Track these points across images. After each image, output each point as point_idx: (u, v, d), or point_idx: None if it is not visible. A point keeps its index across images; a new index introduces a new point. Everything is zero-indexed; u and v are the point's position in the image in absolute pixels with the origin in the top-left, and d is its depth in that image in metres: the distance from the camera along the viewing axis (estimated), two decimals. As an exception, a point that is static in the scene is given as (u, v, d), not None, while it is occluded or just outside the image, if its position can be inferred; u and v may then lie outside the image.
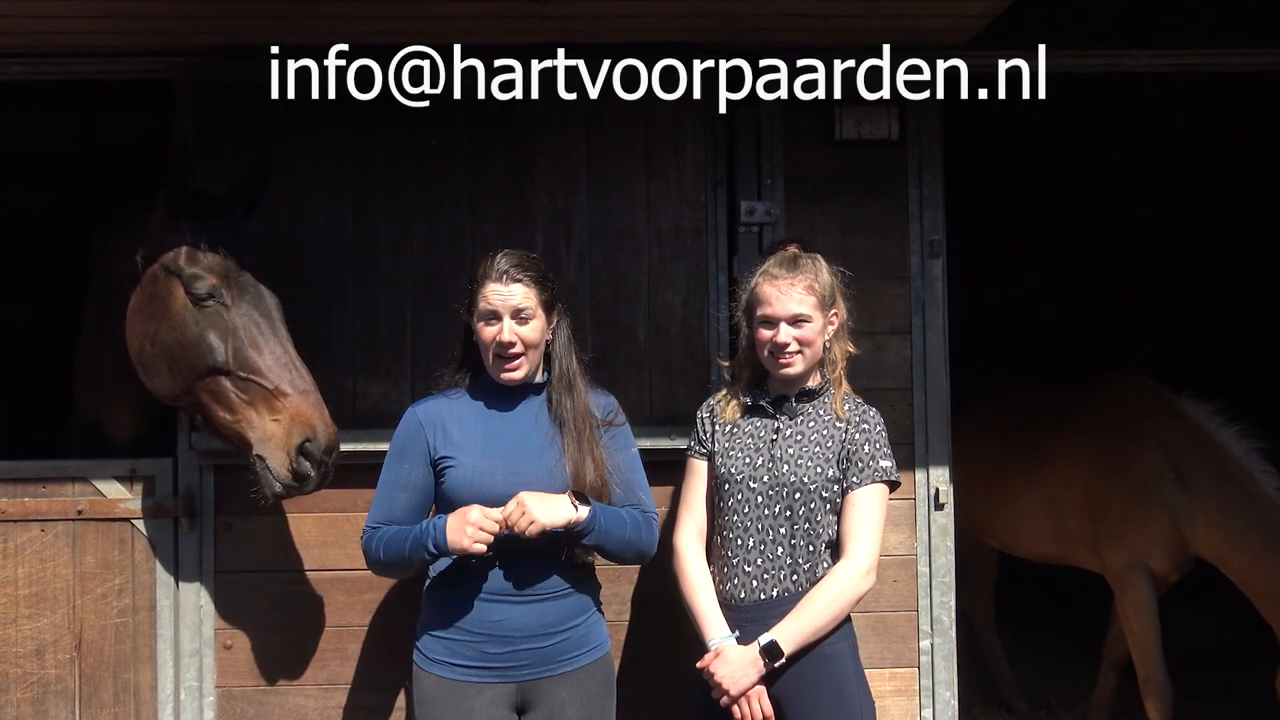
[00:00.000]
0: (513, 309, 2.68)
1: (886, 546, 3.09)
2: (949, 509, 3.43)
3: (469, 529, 2.57)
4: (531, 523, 2.58)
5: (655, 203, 3.43)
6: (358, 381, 3.37)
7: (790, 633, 2.68)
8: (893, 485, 2.82)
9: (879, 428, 2.82)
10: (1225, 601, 4.26)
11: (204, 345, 2.85)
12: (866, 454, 2.77)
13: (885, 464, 2.79)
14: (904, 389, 3.41)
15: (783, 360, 2.78)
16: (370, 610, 3.33)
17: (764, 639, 2.68)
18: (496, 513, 2.60)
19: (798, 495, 2.74)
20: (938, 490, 3.42)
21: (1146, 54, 3.61)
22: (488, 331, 2.69)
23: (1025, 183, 7.05)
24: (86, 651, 3.28)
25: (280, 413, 2.81)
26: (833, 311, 2.81)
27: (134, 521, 3.28)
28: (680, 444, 3.19)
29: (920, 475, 3.42)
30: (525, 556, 2.68)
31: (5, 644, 3.27)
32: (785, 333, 2.76)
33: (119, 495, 3.29)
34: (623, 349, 3.42)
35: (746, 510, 2.77)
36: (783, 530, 2.74)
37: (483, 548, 2.58)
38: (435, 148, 3.40)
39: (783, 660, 2.67)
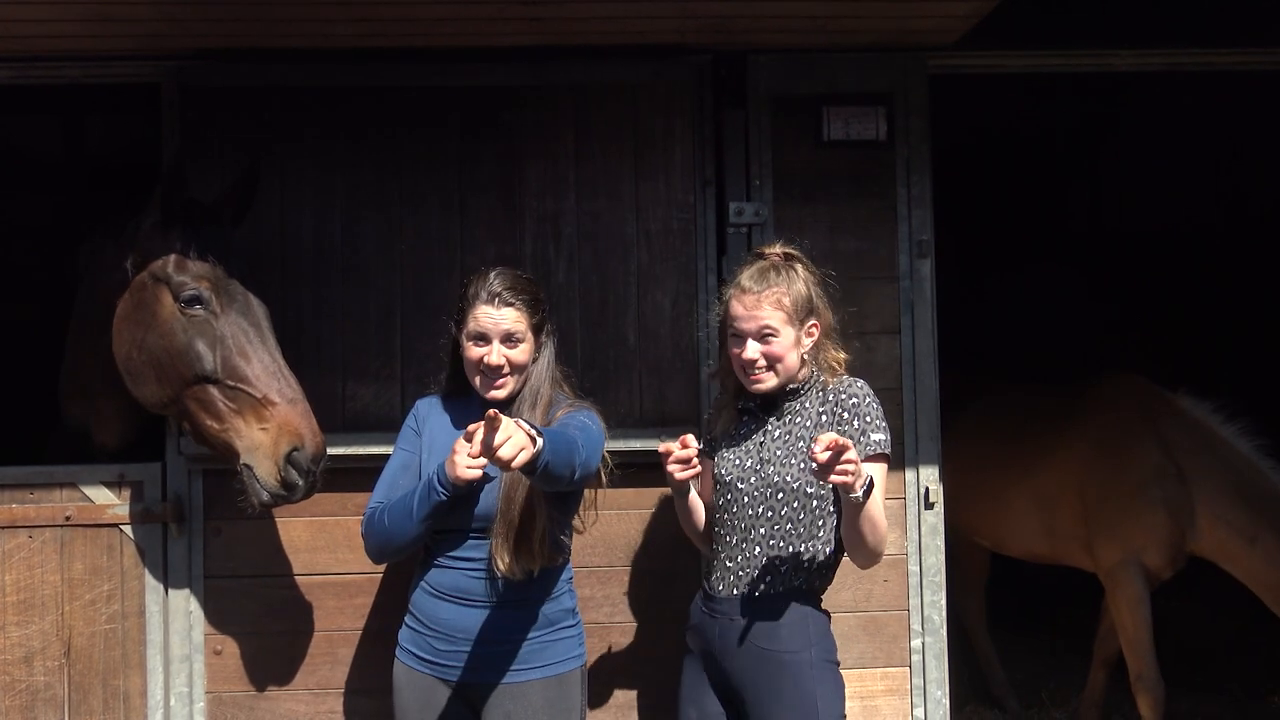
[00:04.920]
0: (503, 333, 2.69)
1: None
2: (939, 508, 3.43)
3: (458, 458, 2.55)
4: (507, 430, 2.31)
5: (644, 204, 3.43)
6: (347, 385, 3.35)
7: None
8: (885, 458, 2.70)
9: (867, 399, 2.70)
10: (1219, 596, 4.26)
11: (192, 353, 2.84)
12: (856, 429, 2.68)
13: (876, 436, 2.67)
14: (893, 389, 3.41)
15: (754, 376, 2.72)
16: (361, 615, 3.32)
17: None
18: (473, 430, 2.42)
19: (780, 495, 2.70)
20: (928, 490, 3.42)
21: (1133, 54, 3.62)
22: (476, 352, 2.71)
23: (1016, 185, 7.06)
24: (75, 658, 3.27)
25: (268, 422, 2.80)
26: (811, 323, 2.74)
27: (122, 527, 3.27)
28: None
29: (910, 475, 3.42)
30: (484, 564, 2.67)
31: (-6, 651, 3.25)
32: (752, 349, 2.70)
33: (107, 501, 3.27)
34: (612, 350, 3.41)
35: (734, 510, 2.76)
36: (762, 531, 2.72)
37: (478, 473, 2.55)
38: (424, 150, 3.39)
39: (859, 494, 2.50)
